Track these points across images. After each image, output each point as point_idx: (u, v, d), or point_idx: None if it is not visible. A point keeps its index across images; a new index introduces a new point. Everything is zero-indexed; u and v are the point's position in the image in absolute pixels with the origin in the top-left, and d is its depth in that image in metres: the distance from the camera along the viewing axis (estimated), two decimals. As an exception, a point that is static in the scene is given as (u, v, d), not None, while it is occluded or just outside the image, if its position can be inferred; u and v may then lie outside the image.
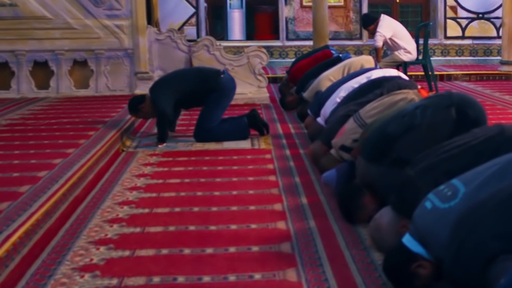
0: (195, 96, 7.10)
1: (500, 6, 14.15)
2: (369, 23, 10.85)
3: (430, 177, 3.38)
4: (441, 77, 12.88)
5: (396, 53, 10.48)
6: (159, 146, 6.73)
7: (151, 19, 10.83)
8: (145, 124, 8.13)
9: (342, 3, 15.67)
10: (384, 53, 10.98)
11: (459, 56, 15.43)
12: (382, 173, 3.94)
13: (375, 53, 10.72)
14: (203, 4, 15.69)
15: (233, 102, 7.87)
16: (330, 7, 14.64)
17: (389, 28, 10.53)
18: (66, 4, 10.02)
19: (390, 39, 10.45)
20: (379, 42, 10.47)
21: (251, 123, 7.16)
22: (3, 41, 9.99)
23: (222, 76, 7.16)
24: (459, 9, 15.39)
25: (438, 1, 15.39)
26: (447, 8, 15.39)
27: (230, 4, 15.95)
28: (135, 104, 7.06)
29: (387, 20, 10.67)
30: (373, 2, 15.78)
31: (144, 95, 7.18)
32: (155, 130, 7.54)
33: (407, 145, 3.92)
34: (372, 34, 10.85)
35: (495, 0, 15.11)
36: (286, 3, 15.61)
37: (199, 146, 6.80)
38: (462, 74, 13.14)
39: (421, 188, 3.31)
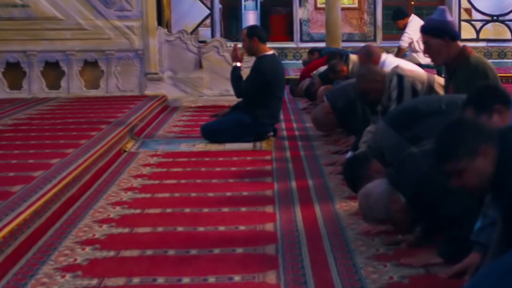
0: (252, 101, 7.05)
1: (515, 8, 14.08)
2: (400, 17, 10.68)
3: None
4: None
5: (414, 54, 10.37)
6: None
7: (161, 20, 10.86)
8: (151, 125, 8.16)
9: (356, 5, 15.67)
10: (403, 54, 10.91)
11: (474, 58, 15.34)
12: (396, 143, 3.99)
13: (397, 52, 10.61)
14: (218, 6, 15.75)
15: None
16: (344, 9, 14.66)
17: (418, 30, 10.38)
18: (77, 5, 10.10)
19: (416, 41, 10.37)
20: (405, 43, 10.37)
21: (257, 138, 7.10)
22: (15, 41, 10.09)
23: (270, 131, 7.19)
24: (473, 12, 15.33)
25: (453, 3, 15.34)
26: (462, 10, 15.34)
27: (245, 5, 16.00)
28: (255, 33, 7.15)
29: (417, 22, 10.53)
30: (387, 4, 15.74)
31: (265, 39, 7.29)
32: (159, 132, 7.63)
33: (429, 126, 3.90)
34: (399, 28, 10.72)
35: (510, 2, 15.01)
36: (300, 5, 15.64)
37: (201, 147, 6.81)
38: (476, 76, 13.05)
39: (421, 168, 3.32)
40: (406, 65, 6.25)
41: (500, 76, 13.03)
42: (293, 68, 14.85)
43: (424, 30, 4.76)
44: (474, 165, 2.75)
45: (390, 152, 4.01)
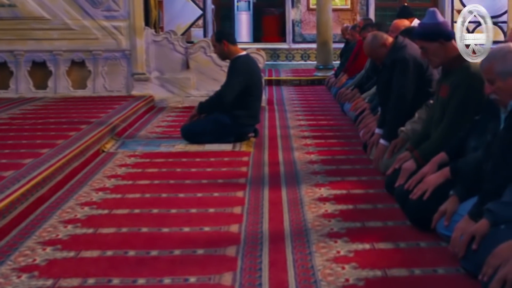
0: (232, 104, 7.01)
1: (508, 10, 14.04)
2: (405, 16, 10.48)
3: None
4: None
5: None
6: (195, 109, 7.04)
7: (148, 20, 10.85)
8: (134, 125, 8.13)
9: (349, 6, 15.64)
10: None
11: (466, 60, 15.31)
12: None
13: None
14: (210, 6, 15.73)
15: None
16: (337, 10, 14.66)
17: None
18: (64, 5, 10.09)
19: None
20: None
21: (237, 139, 7.07)
22: (2, 41, 10.08)
23: (250, 131, 7.18)
24: (466, 13, 15.30)
25: (445, 5, 15.33)
26: (454, 12, 15.31)
27: (237, 6, 15.99)
28: (224, 35, 7.15)
29: None
30: (380, 6, 15.71)
31: (236, 44, 7.23)
32: (141, 132, 7.60)
33: None
34: None
35: (502, 4, 14.99)
36: (293, 6, 15.62)
37: (181, 147, 6.79)
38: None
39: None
40: None
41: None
42: (285, 69, 14.84)
43: (417, 35, 4.73)
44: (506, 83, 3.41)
45: None
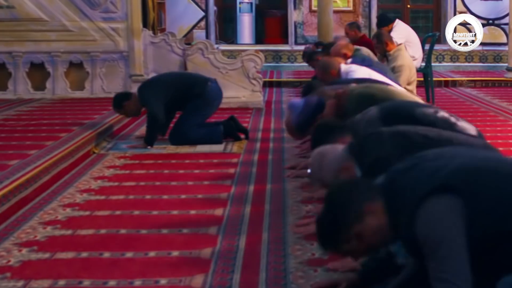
0: (179, 100, 7.04)
1: (510, 12, 13.98)
2: (384, 24, 10.59)
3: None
4: (446, 83, 12.75)
5: None
6: (148, 147, 6.78)
7: (146, 22, 10.86)
8: (128, 127, 8.13)
9: (351, 8, 15.61)
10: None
11: (469, 62, 15.29)
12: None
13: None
14: (212, 8, 15.73)
15: (225, 106, 8.07)
16: (339, 11, 14.64)
17: (403, 34, 10.27)
18: (62, 6, 10.09)
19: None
20: None
21: (227, 131, 7.10)
22: (0, 42, 10.08)
23: (209, 84, 7.12)
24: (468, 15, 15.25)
25: (448, 7, 15.27)
26: (457, 14, 15.25)
27: (240, 8, 15.99)
28: (120, 100, 7.07)
29: (402, 26, 10.47)
30: (383, 7, 15.68)
31: (131, 93, 7.23)
32: (135, 133, 7.61)
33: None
34: None
35: (505, 6, 14.92)
36: (295, 8, 15.61)
37: (172, 149, 6.78)
38: (467, 80, 12.96)
39: (384, 147, 3.22)
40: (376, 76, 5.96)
41: (492, 80, 12.95)
42: (287, 71, 14.81)
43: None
44: (367, 225, 2.59)
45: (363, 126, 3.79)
